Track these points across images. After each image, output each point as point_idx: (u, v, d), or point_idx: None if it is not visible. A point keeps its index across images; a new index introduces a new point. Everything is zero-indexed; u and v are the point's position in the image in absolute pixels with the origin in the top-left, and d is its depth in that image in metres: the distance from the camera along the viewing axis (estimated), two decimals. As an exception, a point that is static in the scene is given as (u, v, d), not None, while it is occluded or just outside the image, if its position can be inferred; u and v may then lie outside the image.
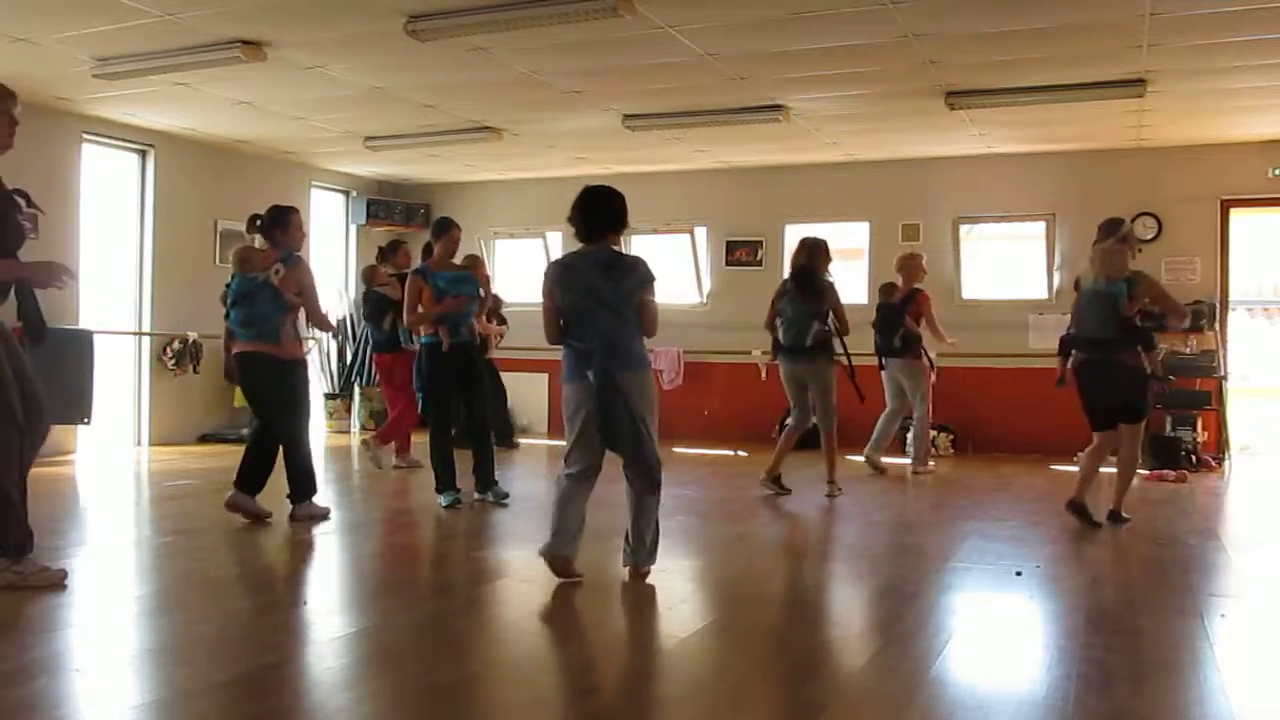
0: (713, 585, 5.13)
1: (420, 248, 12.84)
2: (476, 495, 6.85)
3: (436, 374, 6.74)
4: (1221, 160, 9.97)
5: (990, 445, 10.45)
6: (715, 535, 6.20)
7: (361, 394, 12.14)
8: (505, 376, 10.30)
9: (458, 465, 6.78)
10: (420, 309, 6.74)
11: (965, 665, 3.67)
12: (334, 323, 5.94)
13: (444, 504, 6.71)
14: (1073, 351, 6.25)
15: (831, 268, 7.33)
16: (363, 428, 12.12)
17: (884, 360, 8.75)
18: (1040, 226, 10.73)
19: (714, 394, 11.69)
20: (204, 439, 10.43)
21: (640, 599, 4.86)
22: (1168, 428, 9.71)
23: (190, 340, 10.22)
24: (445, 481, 6.77)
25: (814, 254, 7.23)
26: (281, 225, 6.01)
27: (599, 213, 4.53)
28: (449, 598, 4.66)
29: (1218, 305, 10.06)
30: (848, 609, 4.75)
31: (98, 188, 9.95)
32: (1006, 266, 11.68)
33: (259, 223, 6.20)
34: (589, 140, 10.26)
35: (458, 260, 7.15)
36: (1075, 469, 9.11)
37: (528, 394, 11.90)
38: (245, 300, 5.92)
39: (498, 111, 9.28)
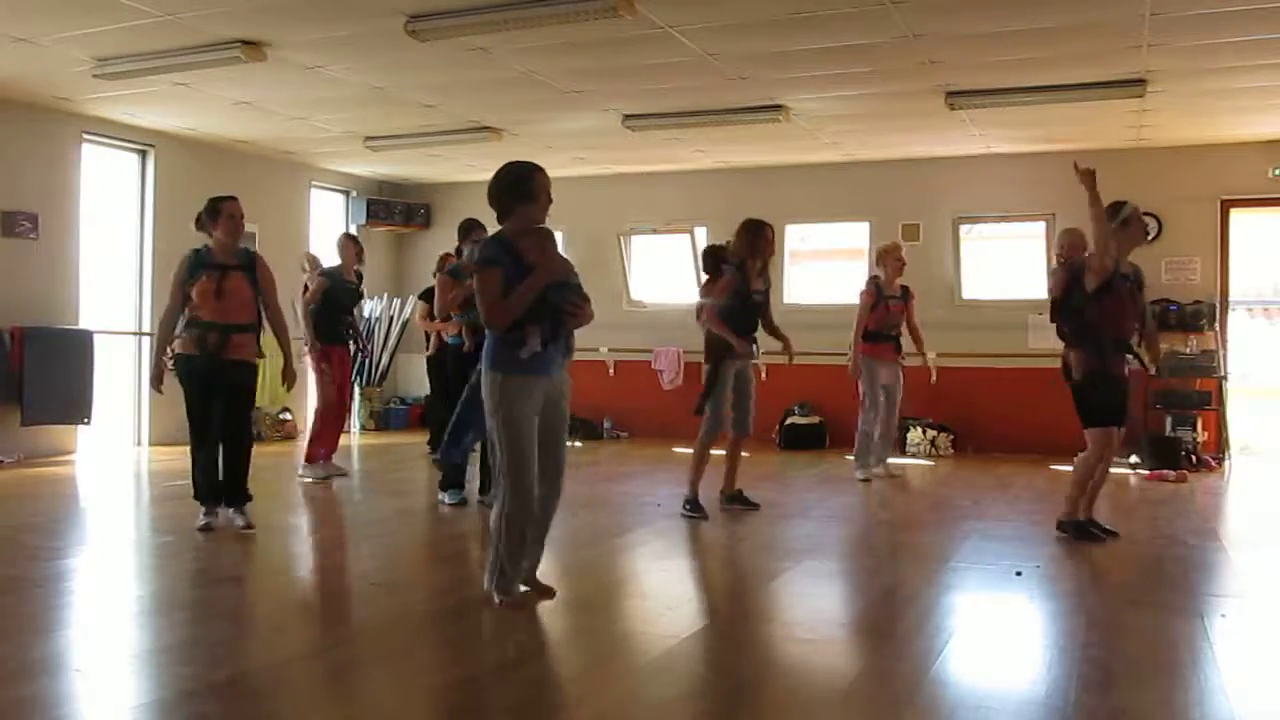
0: (713, 585, 5.12)
1: (423, 246, 12.97)
2: (480, 498, 6.82)
3: (460, 375, 6.68)
4: (1221, 160, 9.97)
5: (990, 445, 10.45)
6: (715, 535, 6.20)
7: (362, 394, 12.15)
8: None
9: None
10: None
11: (965, 665, 3.67)
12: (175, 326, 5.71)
13: (449, 501, 6.73)
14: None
15: (769, 259, 6.69)
16: (363, 428, 12.13)
17: None
18: (1040, 226, 10.73)
19: (714, 394, 11.67)
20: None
21: (640, 599, 4.87)
22: (1168, 428, 9.71)
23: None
24: (453, 480, 6.78)
25: (737, 236, 6.61)
26: (212, 216, 5.75)
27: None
28: (449, 598, 4.66)
29: (1218, 305, 10.05)
30: (848, 609, 4.75)
31: (98, 188, 9.96)
32: (1006, 266, 11.68)
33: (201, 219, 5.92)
34: (589, 140, 10.26)
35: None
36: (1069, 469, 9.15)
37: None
38: None
39: (498, 111, 9.28)
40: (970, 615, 4.45)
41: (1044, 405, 10.26)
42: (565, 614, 4.23)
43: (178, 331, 5.80)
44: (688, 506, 6.50)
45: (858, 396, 8.35)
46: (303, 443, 10.97)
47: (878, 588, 5.04)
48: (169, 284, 5.87)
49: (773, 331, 6.73)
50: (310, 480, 7.81)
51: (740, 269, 6.48)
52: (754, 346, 6.53)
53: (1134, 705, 3.22)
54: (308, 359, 7.84)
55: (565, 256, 4.26)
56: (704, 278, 7.10)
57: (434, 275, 9.47)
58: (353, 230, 12.72)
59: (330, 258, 8.55)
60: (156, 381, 5.80)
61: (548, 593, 4.35)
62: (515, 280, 4.05)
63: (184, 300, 5.70)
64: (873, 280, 8.35)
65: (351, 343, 8.24)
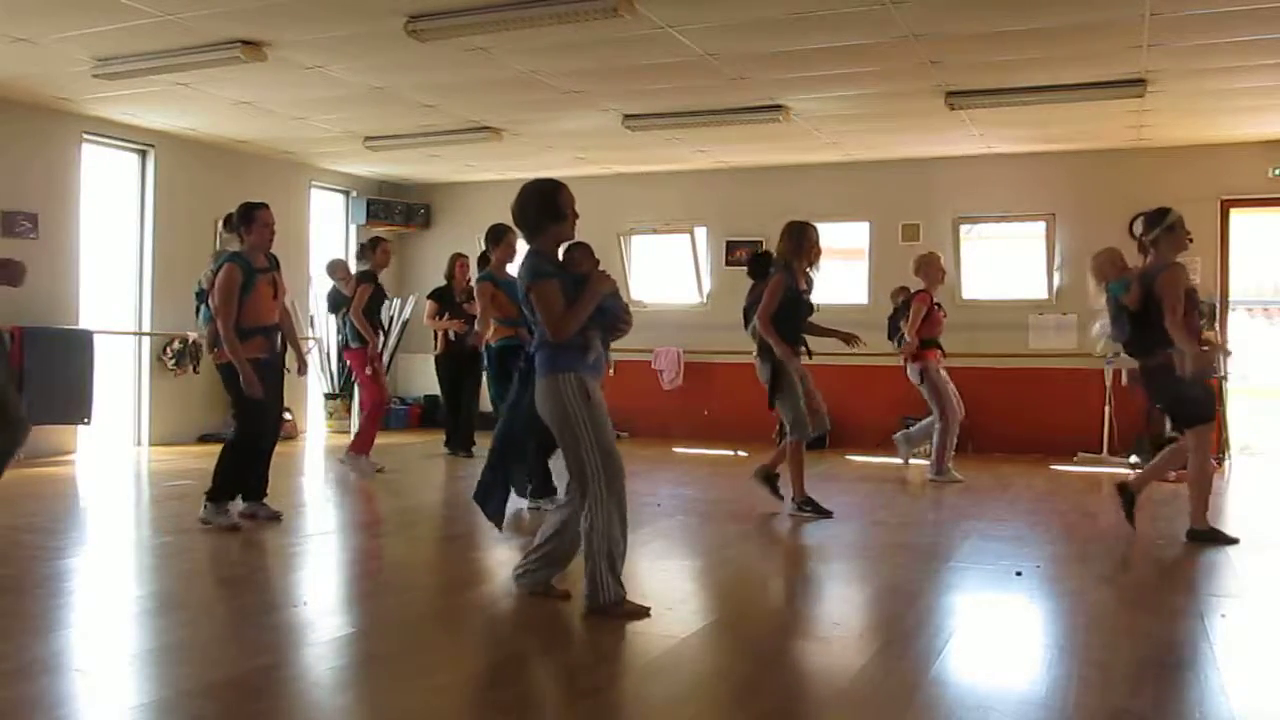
0: (713, 585, 5.12)
1: (423, 247, 12.97)
2: (532, 502, 6.63)
3: (505, 375, 6.59)
4: (1221, 160, 9.97)
5: (990, 445, 10.44)
6: (715, 535, 6.20)
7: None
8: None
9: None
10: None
11: (965, 665, 3.67)
12: (225, 336, 5.74)
13: (548, 509, 6.61)
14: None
15: (821, 262, 6.72)
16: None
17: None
18: (1040, 226, 10.74)
19: (714, 394, 11.69)
20: (204, 439, 10.42)
21: (640, 599, 4.86)
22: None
23: (190, 340, 10.21)
24: (535, 487, 6.58)
25: (783, 238, 6.63)
26: (246, 222, 5.89)
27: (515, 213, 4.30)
28: (448, 598, 4.66)
29: (1218, 305, 10.05)
30: (848, 609, 4.75)
31: (98, 188, 9.95)
32: (1006, 266, 11.68)
33: (231, 221, 6.08)
34: (589, 140, 10.26)
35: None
36: (1076, 469, 9.14)
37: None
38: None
39: (498, 111, 9.28)
40: (970, 615, 4.45)
41: (1044, 405, 10.29)
42: (565, 614, 4.22)
43: (206, 335, 6.00)
44: (807, 507, 6.53)
45: (941, 409, 8.34)
46: (303, 442, 11.04)
47: (878, 588, 5.04)
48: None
49: (819, 331, 6.77)
50: (364, 471, 8.19)
51: (787, 270, 6.53)
52: (803, 350, 6.63)
53: (1134, 705, 3.22)
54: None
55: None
56: (750, 283, 7.13)
57: (446, 277, 9.52)
58: (353, 231, 12.79)
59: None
60: (258, 389, 5.79)
61: (565, 596, 4.37)
62: (570, 290, 4.12)
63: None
64: (925, 289, 8.39)
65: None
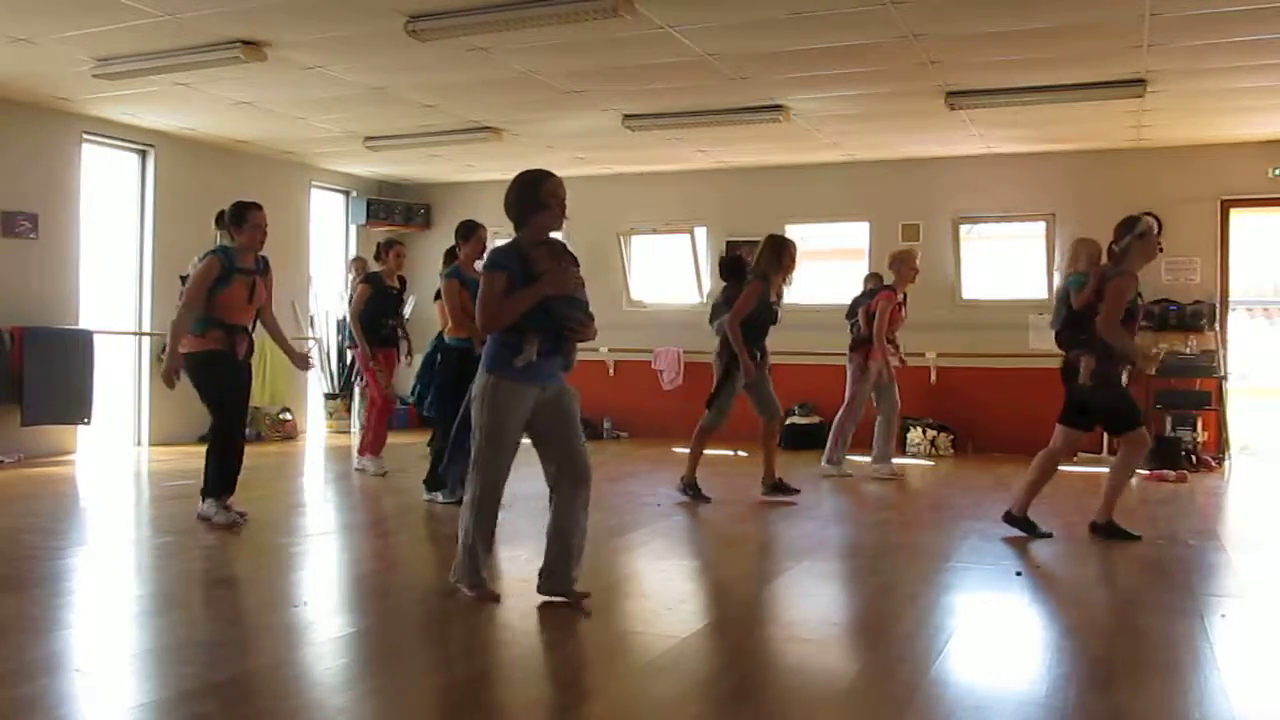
0: (713, 585, 5.12)
1: (423, 247, 12.96)
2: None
3: (461, 375, 6.68)
4: (1221, 160, 9.97)
5: (990, 445, 10.44)
6: (715, 535, 6.20)
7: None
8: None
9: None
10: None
11: (965, 665, 3.67)
12: (177, 316, 5.76)
13: (442, 501, 6.77)
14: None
15: (793, 275, 7.14)
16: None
17: None
18: (1040, 226, 10.74)
19: (714, 394, 11.67)
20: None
21: (640, 599, 4.86)
22: (1168, 428, 9.71)
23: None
24: (442, 480, 6.86)
25: (763, 250, 6.96)
26: (238, 222, 5.85)
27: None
28: (447, 598, 4.66)
29: (1218, 305, 10.05)
30: (848, 609, 4.75)
31: (98, 188, 9.96)
32: (1006, 266, 11.68)
33: (223, 218, 6.05)
34: (589, 140, 10.26)
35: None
36: (1076, 469, 9.14)
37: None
38: None
39: (498, 111, 9.28)
40: (970, 615, 4.45)
41: (1044, 405, 10.26)
42: (565, 614, 4.22)
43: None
44: (689, 492, 6.98)
45: (851, 398, 8.49)
46: (303, 442, 11.04)
47: (877, 588, 5.03)
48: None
49: None
50: (372, 473, 8.19)
51: (764, 280, 6.86)
52: (760, 354, 6.99)
53: (1134, 705, 3.22)
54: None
55: (577, 272, 4.20)
56: (723, 284, 7.43)
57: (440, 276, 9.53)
58: (353, 231, 12.80)
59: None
60: (174, 378, 5.79)
61: (584, 599, 4.28)
62: (521, 287, 4.06)
63: (206, 301, 5.74)
64: (892, 286, 8.41)
65: (396, 346, 8.49)
